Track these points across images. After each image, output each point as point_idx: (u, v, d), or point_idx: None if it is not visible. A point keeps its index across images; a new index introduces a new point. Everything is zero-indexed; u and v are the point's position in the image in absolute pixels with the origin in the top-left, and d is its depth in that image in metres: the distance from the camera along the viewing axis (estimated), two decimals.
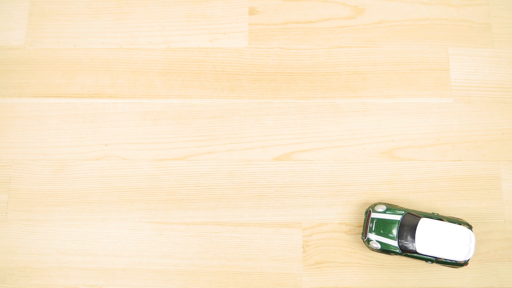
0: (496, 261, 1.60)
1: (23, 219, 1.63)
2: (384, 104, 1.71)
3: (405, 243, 1.53)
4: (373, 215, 1.55)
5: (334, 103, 1.71)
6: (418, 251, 1.52)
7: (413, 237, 1.52)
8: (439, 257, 1.52)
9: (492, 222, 1.62)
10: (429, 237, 1.51)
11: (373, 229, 1.54)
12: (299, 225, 1.62)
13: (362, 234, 1.56)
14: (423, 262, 1.60)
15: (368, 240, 1.55)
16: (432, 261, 1.53)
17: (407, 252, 1.53)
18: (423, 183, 1.65)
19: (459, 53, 1.74)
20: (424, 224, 1.52)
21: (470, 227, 1.54)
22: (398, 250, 1.53)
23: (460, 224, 1.53)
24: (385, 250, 1.54)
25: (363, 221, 1.60)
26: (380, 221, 1.55)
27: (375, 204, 1.58)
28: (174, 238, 1.61)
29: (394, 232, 1.53)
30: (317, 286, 1.58)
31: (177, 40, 1.76)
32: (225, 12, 1.78)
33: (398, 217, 1.54)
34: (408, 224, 1.53)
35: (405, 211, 1.55)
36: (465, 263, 1.53)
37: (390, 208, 1.55)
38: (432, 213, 1.56)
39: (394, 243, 1.53)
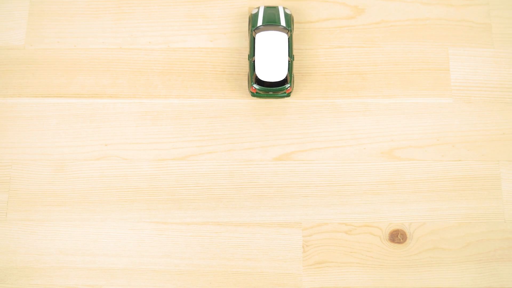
0: (496, 261, 1.60)
1: (23, 219, 1.63)
2: (384, 104, 1.71)
3: (266, 21, 1.67)
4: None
5: (334, 103, 1.71)
6: (255, 32, 1.67)
7: (267, 26, 1.66)
8: (255, 56, 1.64)
9: (492, 222, 1.62)
10: (269, 40, 1.65)
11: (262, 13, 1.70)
12: (299, 225, 1.62)
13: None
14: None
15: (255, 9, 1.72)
16: (249, 57, 1.66)
17: (255, 27, 1.68)
18: (423, 183, 1.65)
19: (459, 53, 1.74)
20: (280, 34, 1.66)
21: (291, 80, 1.64)
22: (256, 24, 1.68)
23: (290, 77, 1.64)
24: (253, 20, 1.69)
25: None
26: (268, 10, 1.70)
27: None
28: (174, 238, 1.61)
29: (273, 18, 1.68)
30: (317, 286, 1.58)
31: (177, 40, 1.76)
32: (225, 12, 1.78)
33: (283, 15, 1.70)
34: (275, 28, 1.67)
35: (290, 30, 1.68)
36: (251, 89, 1.65)
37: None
38: (292, 56, 1.66)
39: (261, 20, 1.68)
